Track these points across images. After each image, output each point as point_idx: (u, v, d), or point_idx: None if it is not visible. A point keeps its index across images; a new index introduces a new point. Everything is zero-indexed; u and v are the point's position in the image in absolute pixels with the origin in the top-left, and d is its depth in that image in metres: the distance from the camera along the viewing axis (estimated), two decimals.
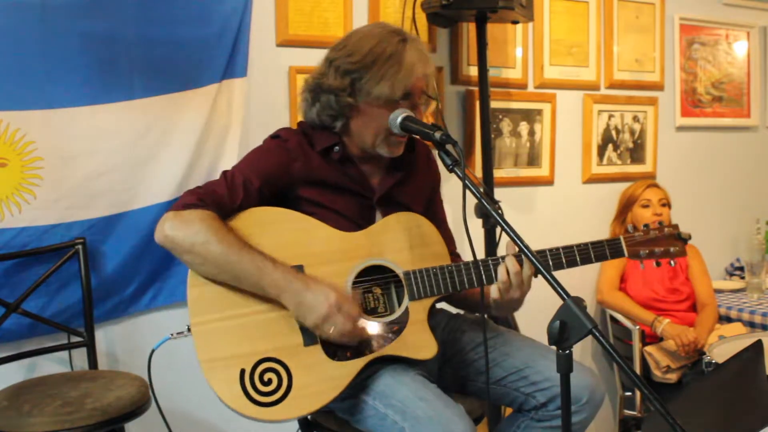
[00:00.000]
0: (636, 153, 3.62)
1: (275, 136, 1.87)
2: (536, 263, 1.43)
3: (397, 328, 1.75)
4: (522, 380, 1.81)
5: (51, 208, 2.31)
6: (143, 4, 2.37)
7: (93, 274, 2.38)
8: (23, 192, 2.28)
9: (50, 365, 2.40)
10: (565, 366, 1.30)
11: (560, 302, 1.32)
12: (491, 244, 2.76)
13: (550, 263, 1.78)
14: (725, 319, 3.32)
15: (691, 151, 3.82)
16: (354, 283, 1.76)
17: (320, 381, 1.68)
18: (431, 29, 2.97)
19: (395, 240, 1.81)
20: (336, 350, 1.70)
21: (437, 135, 1.62)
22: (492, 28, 2.98)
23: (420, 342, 1.76)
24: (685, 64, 3.76)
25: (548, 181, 3.36)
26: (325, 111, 1.82)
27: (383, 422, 1.67)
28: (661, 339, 3.10)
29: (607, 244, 1.83)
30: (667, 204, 3.35)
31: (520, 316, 2.58)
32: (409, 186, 1.93)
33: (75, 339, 2.36)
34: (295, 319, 1.68)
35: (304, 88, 1.87)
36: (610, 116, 3.52)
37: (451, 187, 2.08)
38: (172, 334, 1.72)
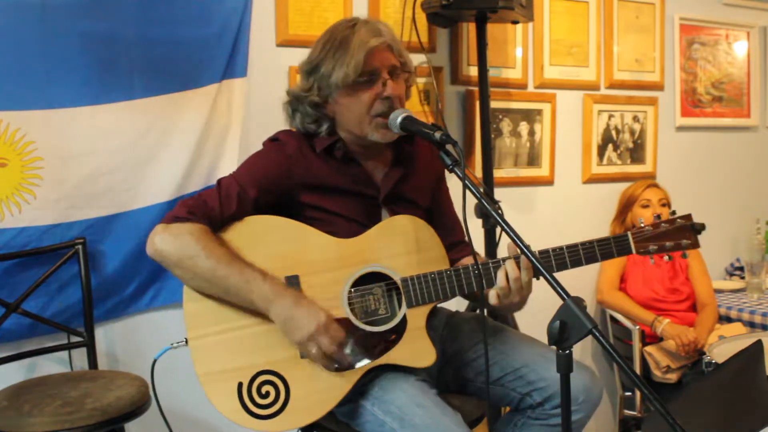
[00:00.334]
0: (636, 153, 3.61)
1: (274, 139, 1.85)
2: (536, 263, 1.42)
3: (394, 336, 1.73)
4: (518, 380, 1.81)
5: (51, 208, 2.31)
6: (143, 4, 2.37)
7: (93, 274, 2.38)
8: (23, 192, 2.28)
9: (50, 365, 2.40)
10: (565, 366, 1.29)
11: (560, 302, 1.32)
12: (491, 244, 2.76)
13: (553, 264, 1.74)
14: (725, 319, 3.32)
15: (691, 151, 3.82)
16: (351, 290, 1.74)
17: (318, 392, 1.67)
18: (431, 29, 2.97)
19: (392, 245, 1.77)
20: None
21: (437, 135, 1.60)
22: (492, 28, 2.98)
23: (418, 350, 1.74)
24: (685, 64, 3.76)
25: (548, 181, 3.36)
26: (306, 119, 1.82)
27: (381, 428, 1.66)
28: (661, 339, 3.10)
29: (613, 240, 1.77)
30: (667, 204, 3.34)
31: (520, 316, 2.57)
32: (413, 179, 1.90)
33: (75, 339, 2.36)
34: (282, 333, 1.65)
35: (284, 103, 1.87)
36: (610, 116, 3.52)
37: (451, 187, 2.07)
38: (172, 344, 1.72)
